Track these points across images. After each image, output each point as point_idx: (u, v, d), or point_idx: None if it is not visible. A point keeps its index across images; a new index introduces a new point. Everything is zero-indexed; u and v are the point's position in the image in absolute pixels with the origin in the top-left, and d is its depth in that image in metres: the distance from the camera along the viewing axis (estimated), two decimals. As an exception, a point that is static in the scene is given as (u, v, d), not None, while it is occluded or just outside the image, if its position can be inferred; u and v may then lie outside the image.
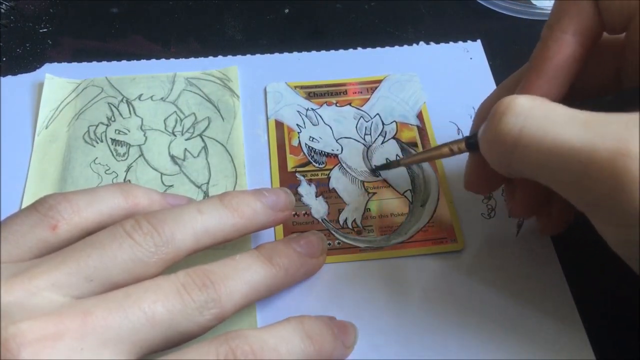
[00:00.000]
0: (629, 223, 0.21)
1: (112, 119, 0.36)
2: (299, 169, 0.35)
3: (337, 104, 0.38)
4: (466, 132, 0.36)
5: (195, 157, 0.35)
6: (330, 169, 0.35)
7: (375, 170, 0.34)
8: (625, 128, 0.20)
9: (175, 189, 0.34)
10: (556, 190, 0.23)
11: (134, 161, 0.35)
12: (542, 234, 0.32)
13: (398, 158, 0.35)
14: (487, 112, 0.25)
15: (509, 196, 0.30)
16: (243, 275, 0.25)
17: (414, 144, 0.36)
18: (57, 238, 0.24)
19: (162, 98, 0.37)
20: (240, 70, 0.39)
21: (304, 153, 0.35)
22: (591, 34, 0.25)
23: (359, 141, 0.36)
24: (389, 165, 0.34)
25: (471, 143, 0.27)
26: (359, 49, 0.41)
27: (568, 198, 0.23)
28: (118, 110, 0.37)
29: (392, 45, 0.41)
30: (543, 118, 0.22)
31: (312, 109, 0.37)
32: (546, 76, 0.25)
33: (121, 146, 0.35)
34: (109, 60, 0.40)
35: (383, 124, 0.37)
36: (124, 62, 0.40)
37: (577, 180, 0.21)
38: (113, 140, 0.35)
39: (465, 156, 0.29)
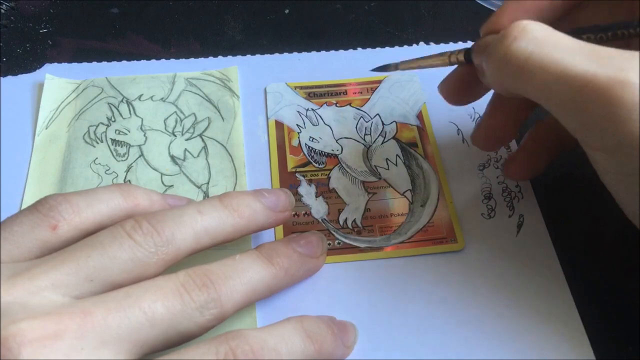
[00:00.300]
0: (618, 146, 0.22)
1: (112, 119, 0.36)
2: (299, 169, 0.35)
3: (337, 104, 0.38)
4: (467, 133, 0.36)
5: (196, 158, 0.35)
6: (330, 169, 0.35)
7: (376, 70, 0.33)
8: (627, 60, 0.22)
9: (175, 189, 0.34)
10: (552, 112, 0.24)
11: (134, 161, 0.35)
12: (507, 175, 0.33)
13: (397, 63, 0.33)
14: (497, 25, 0.26)
15: (478, 125, 0.32)
16: (243, 275, 0.25)
17: (414, 144, 0.36)
18: (57, 238, 0.24)
19: (162, 98, 0.38)
20: (240, 71, 0.39)
21: (304, 153, 0.35)
22: None
23: (359, 141, 0.36)
24: (387, 67, 0.33)
25: (470, 55, 0.29)
26: (359, 49, 0.41)
27: (563, 120, 0.24)
28: (118, 110, 0.37)
29: (392, 46, 0.41)
30: (552, 45, 0.23)
31: (312, 109, 0.37)
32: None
33: (121, 146, 0.35)
34: (109, 60, 0.40)
35: (383, 124, 0.37)
36: (124, 62, 0.40)
37: (574, 103, 0.23)
38: (113, 140, 0.36)
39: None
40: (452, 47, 0.41)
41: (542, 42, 0.24)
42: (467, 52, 0.29)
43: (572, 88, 0.23)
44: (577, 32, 0.25)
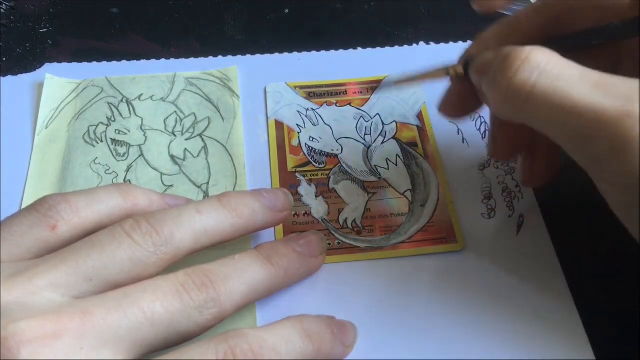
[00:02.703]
0: (629, 182, 0.21)
1: (112, 119, 0.36)
2: (299, 169, 0.35)
3: (337, 104, 0.38)
4: (467, 133, 0.36)
5: (195, 157, 0.35)
6: (330, 169, 0.35)
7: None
8: (634, 91, 0.21)
9: (175, 189, 0.34)
10: (560, 144, 0.24)
11: (134, 161, 0.35)
12: (524, 184, 0.32)
13: (393, 80, 0.33)
14: (491, 42, 0.26)
15: (491, 137, 0.31)
16: (242, 275, 0.25)
17: (414, 144, 0.36)
18: (56, 238, 0.24)
19: (162, 98, 0.37)
20: (240, 70, 0.39)
21: (304, 153, 0.35)
22: None
23: (359, 141, 0.36)
24: (384, 85, 0.32)
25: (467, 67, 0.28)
26: (359, 49, 0.41)
27: (571, 153, 0.23)
28: (118, 110, 0.37)
29: (392, 45, 0.41)
30: (556, 75, 0.23)
31: (312, 109, 0.37)
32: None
33: (121, 146, 0.35)
34: (109, 60, 0.40)
35: (383, 124, 0.37)
36: (124, 62, 0.40)
37: (582, 136, 0.22)
38: (113, 140, 0.36)
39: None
40: (451, 46, 0.41)
41: (546, 72, 0.23)
42: (466, 63, 0.28)
43: (579, 122, 0.22)
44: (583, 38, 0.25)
